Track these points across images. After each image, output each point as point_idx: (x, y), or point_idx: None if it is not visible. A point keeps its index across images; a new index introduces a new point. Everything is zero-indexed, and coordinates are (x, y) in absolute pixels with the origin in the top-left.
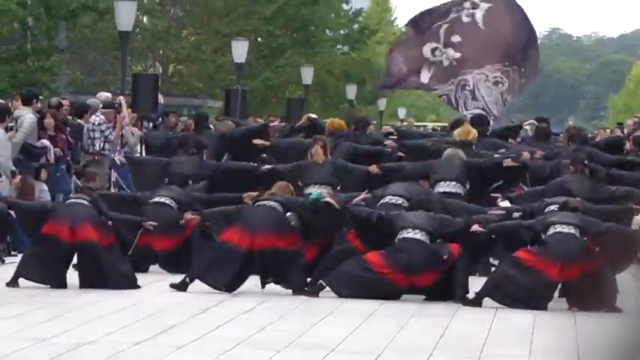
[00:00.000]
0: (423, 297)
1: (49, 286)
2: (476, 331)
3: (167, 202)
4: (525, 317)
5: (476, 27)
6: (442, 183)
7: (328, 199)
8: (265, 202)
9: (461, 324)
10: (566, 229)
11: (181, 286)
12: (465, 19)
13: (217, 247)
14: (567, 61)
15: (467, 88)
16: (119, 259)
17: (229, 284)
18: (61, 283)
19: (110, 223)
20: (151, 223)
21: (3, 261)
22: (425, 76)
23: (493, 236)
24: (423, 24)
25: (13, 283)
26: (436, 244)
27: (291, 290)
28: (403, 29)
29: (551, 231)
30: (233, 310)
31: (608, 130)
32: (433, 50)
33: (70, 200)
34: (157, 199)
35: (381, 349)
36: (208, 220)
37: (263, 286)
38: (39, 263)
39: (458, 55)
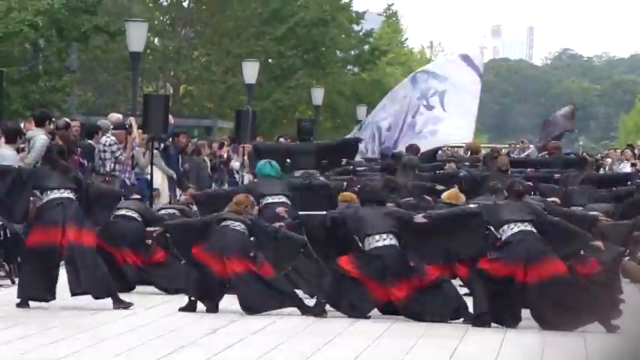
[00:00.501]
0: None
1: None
2: (485, 352)
3: (133, 215)
4: (535, 338)
5: None
6: None
7: (282, 209)
8: (232, 224)
9: (470, 345)
10: (522, 226)
11: (190, 307)
12: None
13: (197, 266)
14: (577, 82)
15: None
16: (103, 265)
17: (215, 308)
18: (53, 294)
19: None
20: (137, 196)
21: (13, 282)
22: None
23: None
24: None
25: (23, 303)
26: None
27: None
28: None
29: (508, 232)
30: (243, 331)
31: (618, 151)
32: None
33: (54, 195)
34: (122, 212)
35: None
36: (169, 232)
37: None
38: (35, 280)
39: None
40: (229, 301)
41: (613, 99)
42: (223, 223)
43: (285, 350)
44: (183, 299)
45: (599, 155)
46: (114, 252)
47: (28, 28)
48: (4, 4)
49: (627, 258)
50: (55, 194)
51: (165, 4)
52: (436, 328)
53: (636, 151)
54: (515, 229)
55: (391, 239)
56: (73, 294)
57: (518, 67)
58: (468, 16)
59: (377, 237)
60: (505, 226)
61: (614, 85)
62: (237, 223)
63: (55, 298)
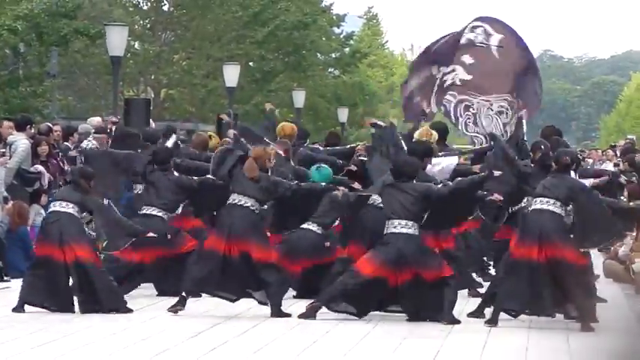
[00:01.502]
0: (406, 318)
1: (55, 309)
2: (470, 352)
3: (158, 213)
4: (519, 337)
5: (489, 53)
6: None
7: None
8: (239, 200)
9: (454, 345)
10: (545, 203)
11: (180, 302)
12: (479, 45)
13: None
14: (559, 83)
15: (470, 110)
16: (110, 280)
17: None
18: (67, 306)
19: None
20: (151, 234)
21: None
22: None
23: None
24: (433, 50)
25: (18, 308)
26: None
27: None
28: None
29: (532, 205)
30: (226, 334)
31: (599, 151)
32: (443, 74)
33: (55, 208)
34: (145, 211)
35: None
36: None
37: (234, 300)
38: (41, 287)
39: (469, 77)
40: (212, 305)
41: (594, 99)
42: (232, 200)
43: (270, 352)
44: (167, 302)
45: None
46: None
47: (8, 32)
48: None
49: (608, 257)
50: (57, 207)
51: (145, 7)
52: (421, 328)
53: (617, 151)
54: (538, 205)
55: (410, 228)
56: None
57: None
58: (448, 18)
59: (396, 222)
60: (532, 199)
61: (594, 86)
62: (245, 199)
63: (58, 309)
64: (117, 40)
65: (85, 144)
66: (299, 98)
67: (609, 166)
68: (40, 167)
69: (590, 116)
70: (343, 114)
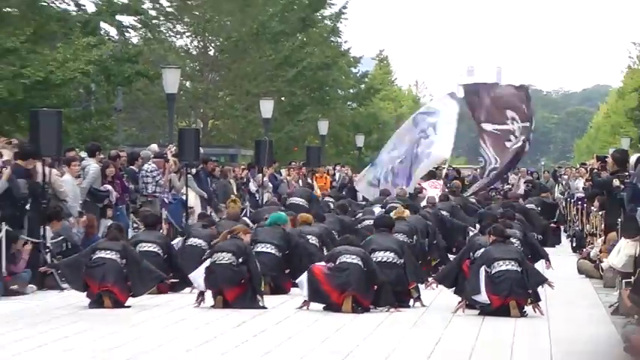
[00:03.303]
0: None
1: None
2: (465, 340)
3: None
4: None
5: None
6: None
7: None
8: (218, 258)
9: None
10: (509, 265)
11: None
12: None
13: None
14: (539, 112)
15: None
16: None
17: None
18: None
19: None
20: (171, 279)
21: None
22: None
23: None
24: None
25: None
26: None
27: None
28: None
29: (497, 268)
30: (266, 322)
31: (573, 169)
32: None
33: (99, 254)
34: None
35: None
36: None
37: None
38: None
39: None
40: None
41: (568, 126)
42: (212, 259)
43: (292, 344)
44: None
45: (559, 173)
46: None
47: (82, 75)
48: (60, 55)
49: (581, 257)
50: (102, 254)
51: (194, 53)
52: (422, 320)
53: (588, 169)
54: (504, 267)
55: (358, 260)
56: None
57: None
58: (447, 58)
59: (346, 255)
60: (495, 263)
61: (569, 115)
62: (224, 254)
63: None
64: (171, 80)
65: (146, 167)
66: (323, 127)
67: (581, 182)
68: (108, 187)
69: (566, 140)
70: (360, 140)
